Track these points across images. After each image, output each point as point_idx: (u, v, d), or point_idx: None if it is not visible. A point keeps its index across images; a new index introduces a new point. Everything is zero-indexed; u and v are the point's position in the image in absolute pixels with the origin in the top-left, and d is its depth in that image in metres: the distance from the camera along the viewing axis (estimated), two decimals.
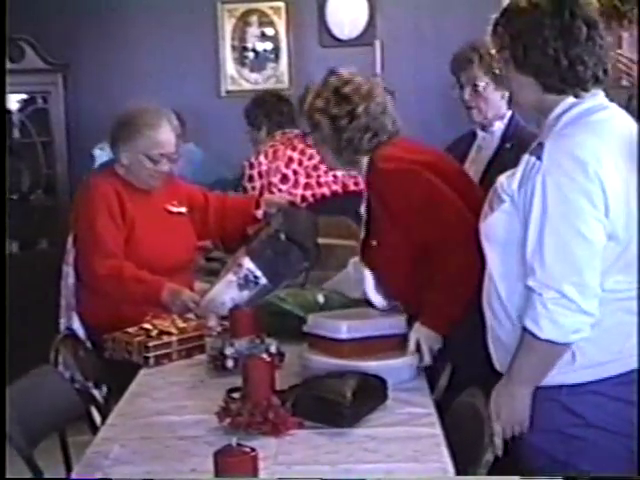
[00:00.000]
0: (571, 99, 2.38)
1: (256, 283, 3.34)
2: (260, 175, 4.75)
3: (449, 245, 2.91)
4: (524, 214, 2.32)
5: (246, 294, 3.34)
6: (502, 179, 2.40)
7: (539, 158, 2.29)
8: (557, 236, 2.26)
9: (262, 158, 4.79)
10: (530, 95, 2.43)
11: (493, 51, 2.49)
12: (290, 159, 4.80)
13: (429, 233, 2.96)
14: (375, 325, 3.01)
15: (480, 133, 3.80)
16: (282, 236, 3.45)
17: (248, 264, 3.35)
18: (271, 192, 4.65)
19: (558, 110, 2.39)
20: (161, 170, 3.58)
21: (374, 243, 3.18)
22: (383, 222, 3.11)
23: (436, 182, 2.98)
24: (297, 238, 3.47)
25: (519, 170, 2.35)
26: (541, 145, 2.32)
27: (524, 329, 2.33)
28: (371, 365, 2.81)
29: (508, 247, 2.38)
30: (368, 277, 3.25)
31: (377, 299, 3.18)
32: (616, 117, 2.41)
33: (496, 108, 3.70)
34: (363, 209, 3.27)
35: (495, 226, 2.41)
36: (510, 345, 2.41)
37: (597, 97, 2.40)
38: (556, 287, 2.26)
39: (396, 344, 2.97)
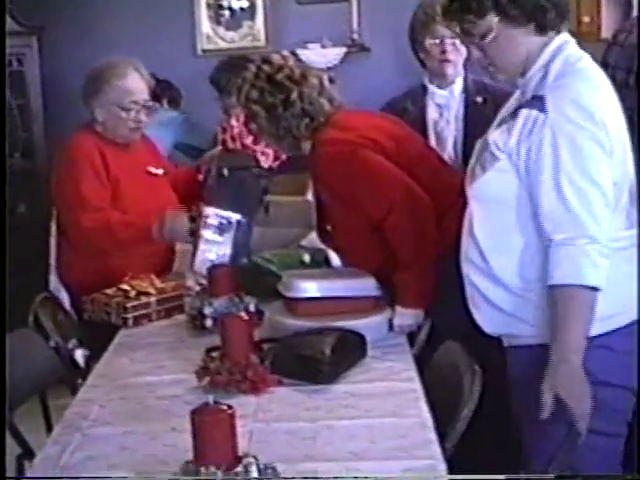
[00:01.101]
0: (551, 49, 2.35)
1: (229, 222, 3.32)
2: (233, 139, 4.72)
3: (396, 222, 2.91)
4: (526, 170, 2.29)
5: (227, 237, 3.32)
6: (495, 137, 2.36)
7: (542, 111, 2.25)
8: (575, 186, 2.22)
9: (233, 121, 4.76)
10: (521, 48, 2.36)
11: (472, 18, 2.36)
12: None
13: (376, 211, 2.95)
14: (334, 286, 2.99)
15: (438, 91, 3.69)
16: (225, 171, 3.48)
17: (211, 211, 3.33)
18: None
19: (541, 62, 2.35)
20: (138, 119, 3.54)
21: (329, 228, 3.21)
22: (332, 206, 3.13)
23: (375, 159, 2.97)
24: (239, 164, 3.49)
25: (516, 125, 2.30)
26: (540, 98, 2.28)
27: (553, 288, 2.23)
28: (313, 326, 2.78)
29: (502, 205, 2.34)
30: (334, 256, 3.28)
31: None
32: (592, 63, 2.40)
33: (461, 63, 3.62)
34: (310, 195, 3.26)
35: (488, 185, 2.36)
36: (501, 305, 2.38)
37: (571, 43, 2.40)
38: (587, 234, 2.22)
39: (355, 307, 2.94)
